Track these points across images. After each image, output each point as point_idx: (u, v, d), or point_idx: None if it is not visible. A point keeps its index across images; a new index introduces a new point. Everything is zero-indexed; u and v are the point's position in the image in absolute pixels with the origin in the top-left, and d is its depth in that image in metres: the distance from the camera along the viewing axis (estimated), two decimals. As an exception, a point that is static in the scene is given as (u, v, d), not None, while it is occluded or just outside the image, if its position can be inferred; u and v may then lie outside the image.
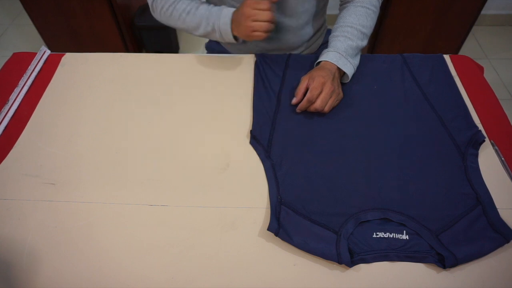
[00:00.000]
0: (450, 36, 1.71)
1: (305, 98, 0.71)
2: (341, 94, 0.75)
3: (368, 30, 0.80)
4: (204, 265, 0.54)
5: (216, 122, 0.73)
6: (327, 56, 0.76)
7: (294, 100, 0.74)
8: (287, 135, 0.69)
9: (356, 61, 0.78)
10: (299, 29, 0.89)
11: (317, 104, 0.71)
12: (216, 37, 0.79)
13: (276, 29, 0.86)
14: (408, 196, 0.61)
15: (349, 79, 0.77)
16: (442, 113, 0.72)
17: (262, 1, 0.70)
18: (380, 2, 0.84)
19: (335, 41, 0.78)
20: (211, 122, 0.73)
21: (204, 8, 0.78)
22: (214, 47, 1.03)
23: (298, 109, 0.73)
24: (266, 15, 0.70)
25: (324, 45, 1.01)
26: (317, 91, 0.71)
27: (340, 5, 0.85)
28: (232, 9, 0.76)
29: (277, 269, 0.54)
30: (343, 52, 0.76)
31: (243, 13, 0.71)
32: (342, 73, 0.77)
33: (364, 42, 0.80)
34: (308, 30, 0.91)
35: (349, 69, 0.76)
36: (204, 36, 0.81)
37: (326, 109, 0.72)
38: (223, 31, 0.76)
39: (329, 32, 1.02)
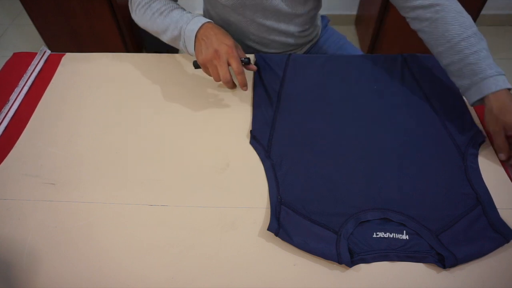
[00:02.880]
0: (450, 36, 1.71)
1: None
2: None
3: (475, 27, 0.65)
4: (204, 265, 0.54)
5: (216, 122, 0.73)
6: (482, 90, 0.63)
7: (504, 157, 0.64)
8: (287, 135, 0.69)
9: (495, 65, 0.65)
10: (304, 31, 0.90)
11: None
12: (180, 45, 0.72)
13: (282, 37, 0.88)
14: (408, 196, 0.61)
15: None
16: (442, 113, 0.72)
17: (236, 60, 0.66)
18: None
19: (471, 68, 0.64)
20: (211, 122, 0.73)
21: (178, 12, 0.71)
22: None
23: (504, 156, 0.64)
24: (224, 73, 0.66)
25: (323, 30, 1.02)
26: None
27: (410, 18, 0.72)
28: (206, 20, 0.69)
29: (277, 269, 0.54)
30: (492, 73, 0.63)
31: (216, 48, 0.66)
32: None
33: (484, 41, 0.66)
34: (311, 29, 0.93)
35: (505, 80, 0.63)
36: (171, 42, 0.73)
37: None
38: (187, 38, 0.68)
39: (324, 19, 1.03)
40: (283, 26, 0.84)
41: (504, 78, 0.64)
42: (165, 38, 0.73)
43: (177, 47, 0.74)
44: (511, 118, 0.61)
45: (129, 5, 0.78)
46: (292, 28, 0.86)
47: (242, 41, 0.89)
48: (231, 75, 0.68)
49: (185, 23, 0.68)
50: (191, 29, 0.68)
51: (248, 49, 0.91)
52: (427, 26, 0.68)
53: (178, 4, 0.75)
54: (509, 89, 0.63)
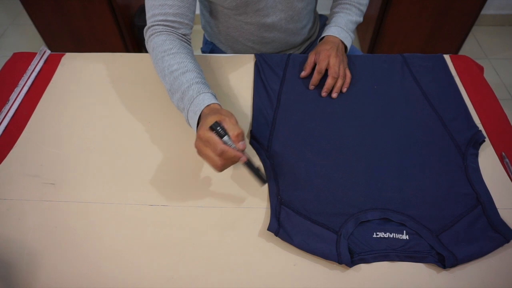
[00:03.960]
0: (450, 36, 1.71)
1: (315, 71, 0.77)
2: (348, 71, 0.78)
3: (364, 8, 0.86)
4: (204, 265, 0.54)
5: (216, 122, 0.73)
6: (329, 31, 0.82)
7: (303, 73, 0.79)
8: (287, 135, 0.69)
9: (354, 35, 0.85)
10: (302, 28, 0.90)
11: (331, 70, 0.75)
12: (184, 118, 0.64)
13: (282, 35, 0.87)
14: (408, 196, 0.61)
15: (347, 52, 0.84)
16: (442, 113, 0.72)
17: (217, 144, 0.53)
18: None
19: (335, 17, 0.84)
20: (211, 122, 0.73)
21: (188, 78, 0.62)
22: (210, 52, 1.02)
23: (311, 85, 0.77)
24: (214, 162, 0.54)
25: (321, 30, 1.02)
26: (324, 62, 0.76)
27: None
28: (210, 100, 0.60)
29: (277, 269, 0.54)
30: (344, 26, 0.82)
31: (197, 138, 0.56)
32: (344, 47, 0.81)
33: (360, 18, 0.86)
34: (309, 26, 0.93)
35: (349, 43, 0.82)
36: (176, 106, 0.65)
37: (339, 82, 0.76)
38: (190, 120, 0.61)
39: (322, 18, 1.05)
40: (283, 23, 0.84)
41: (341, 30, 0.82)
42: (172, 99, 0.66)
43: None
44: (311, 53, 0.80)
45: (144, 31, 0.71)
46: (291, 25, 0.86)
47: (242, 42, 0.89)
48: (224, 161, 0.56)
49: (188, 103, 0.61)
50: (194, 111, 0.60)
51: (248, 49, 0.91)
52: None
53: (193, 56, 0.68)
54: (340, 40, 0.80)
